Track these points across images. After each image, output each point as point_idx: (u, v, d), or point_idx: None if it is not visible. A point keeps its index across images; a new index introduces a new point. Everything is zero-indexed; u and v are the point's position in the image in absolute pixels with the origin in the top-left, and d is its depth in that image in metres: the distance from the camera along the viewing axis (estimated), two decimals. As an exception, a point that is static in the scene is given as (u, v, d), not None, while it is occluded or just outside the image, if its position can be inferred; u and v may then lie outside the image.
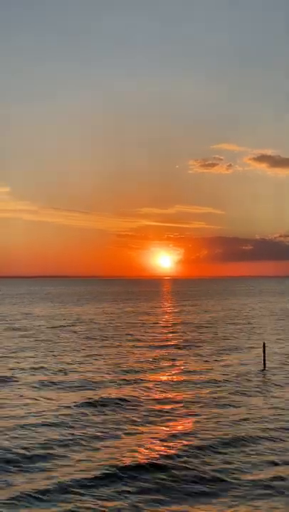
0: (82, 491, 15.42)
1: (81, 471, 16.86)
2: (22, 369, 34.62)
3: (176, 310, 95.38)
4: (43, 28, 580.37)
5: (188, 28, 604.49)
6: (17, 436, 20.45)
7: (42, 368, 35.08)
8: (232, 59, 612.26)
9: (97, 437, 20.33)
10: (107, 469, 16.88)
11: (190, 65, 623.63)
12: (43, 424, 21.85)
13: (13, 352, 42.43)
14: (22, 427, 21.50)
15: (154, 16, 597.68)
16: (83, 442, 19.74)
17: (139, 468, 17.12)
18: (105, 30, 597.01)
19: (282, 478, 16.48)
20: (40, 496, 15.11)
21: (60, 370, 34.11)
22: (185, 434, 20.58)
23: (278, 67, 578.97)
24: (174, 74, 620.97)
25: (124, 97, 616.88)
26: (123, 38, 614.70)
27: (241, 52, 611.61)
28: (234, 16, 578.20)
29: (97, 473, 16.64)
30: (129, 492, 15.51)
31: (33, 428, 21.34)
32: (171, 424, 22.20)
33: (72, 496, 15.16)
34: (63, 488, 15.55)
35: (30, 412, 23.73)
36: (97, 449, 18.97)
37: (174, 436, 20.46)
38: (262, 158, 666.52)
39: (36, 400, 26.25)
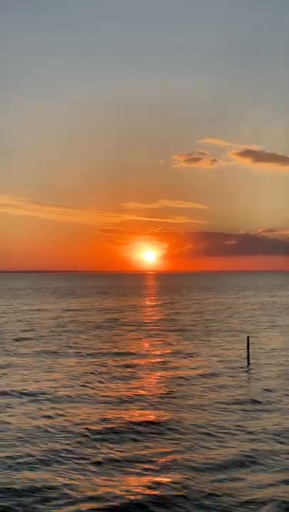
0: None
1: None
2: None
3: (161, 304, 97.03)
4: (41, 24, 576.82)
5: (180, 25, 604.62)
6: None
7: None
8: (219, 55, 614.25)
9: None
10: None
11: (176, 61, 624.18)
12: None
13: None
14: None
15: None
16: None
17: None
18: (104, 29, 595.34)
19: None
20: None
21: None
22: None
23: (266, 65, 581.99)
24: (160, 70, 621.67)
25: (108, 93, 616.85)
26: (115, 35, 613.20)
27: (229, 48, 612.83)
28: (226, 13, 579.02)
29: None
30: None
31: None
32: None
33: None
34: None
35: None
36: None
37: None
38: (246, 153, 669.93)
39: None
